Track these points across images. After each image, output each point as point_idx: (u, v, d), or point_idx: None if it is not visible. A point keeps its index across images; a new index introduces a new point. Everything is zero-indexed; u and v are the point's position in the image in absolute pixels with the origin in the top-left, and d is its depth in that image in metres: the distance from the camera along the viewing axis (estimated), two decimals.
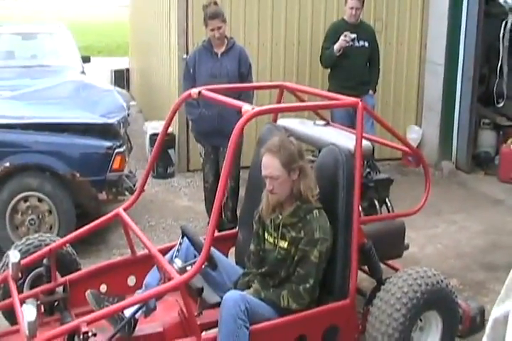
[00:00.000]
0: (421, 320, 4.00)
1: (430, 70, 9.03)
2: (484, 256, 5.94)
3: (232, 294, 3.63)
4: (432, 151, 8.88)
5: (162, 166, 8.13)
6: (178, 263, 3.69)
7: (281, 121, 4.88)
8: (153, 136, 8.06)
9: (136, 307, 3.60)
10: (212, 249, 3.70)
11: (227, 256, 4.79)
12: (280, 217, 3.87)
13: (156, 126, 8.33)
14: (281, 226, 3.86)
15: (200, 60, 6.07)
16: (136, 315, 3.68)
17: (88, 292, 3.84)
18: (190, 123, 6.85)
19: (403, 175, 8.29)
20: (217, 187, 6.08)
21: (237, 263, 4.65)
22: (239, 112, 3.70)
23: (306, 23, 8.50)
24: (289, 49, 8.49)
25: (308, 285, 3.75)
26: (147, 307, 3.77)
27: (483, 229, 6.64)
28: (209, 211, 6.23)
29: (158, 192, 7.67)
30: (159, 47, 9.91)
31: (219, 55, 6.08)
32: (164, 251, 4.12)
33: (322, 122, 4.88)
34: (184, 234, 4.03)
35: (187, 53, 8.04)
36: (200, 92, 4.24)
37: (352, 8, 7.25)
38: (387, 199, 5.22)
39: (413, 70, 9.14)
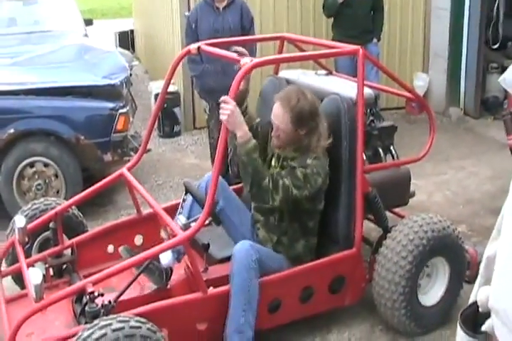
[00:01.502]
0: (428, 266, 4.02)
1: (436, 16, 8.88)
2: (493, 201, 5.89)
3: (243, 244, 3.64)
4: (439, 98, 8.80)
5: (168, 125, 8.11)
6: (182, 219, 3.70)
7: (283, 73, 4.84)
8: (158, 96, 8.01)
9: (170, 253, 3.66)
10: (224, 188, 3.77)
11: None
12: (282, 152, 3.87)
13: (160, 86, 8.21)
14: (281, 159, 3.87)
15: (202, 16, 6.01)
16: (172, 264, 3.74)
17: (121, 248, 3.89)
18: (193, 80, 6.78)
19: (411, 123, 8.24)
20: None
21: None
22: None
23: None
24: (291, 0, 8.37)
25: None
26: (178, 252, 3.80)
27: (491, 174, 6.60)
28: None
29: (165, 151, 7.66)
30: (161, 6, 9.81)
31: (221, 10, 6.02)
32: (169, 209, 4.14)
33: (324, 72, 4.83)
34: (187, 191, 4.03)
35: (189, 10, 7.95)
36: (199, 47, 4.20)
37: None
38: (391, 147, 5.18)
39: (418, 17, 8.99)
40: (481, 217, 5.64)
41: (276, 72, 4.83)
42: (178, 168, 7.08)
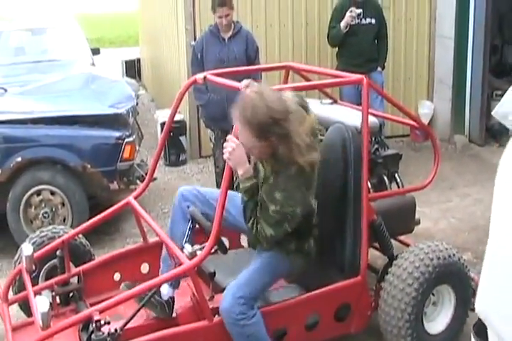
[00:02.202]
0: (433, 294, 4.02)
1: (440, 44, 8.96)
2: None
3: (224, 301, 3.59)
4: (444, 125, 8.85)
5: (174, 154, 8.17)
6: (188, 248, 3.71)
7: None
8: (164, 125, 8.09)
9: (167, 286, 3.70)
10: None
11: (239, 239, 4.83)
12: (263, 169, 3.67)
13: (166, 115, 8.30)
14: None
15: (208, 45, 6.11)
16: (172, 294, 3.77)
17: (122, 285, 3.87)
18: (199, 108, 6.84)
19: (416, 151, 8.27)
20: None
21: (249, 245, 4.67)
22: None
23: (314, 3, 8.45)
24: (296, 30, 8.45)
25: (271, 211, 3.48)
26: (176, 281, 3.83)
27: None
28: None
29: (171, 180, 7.71)
30: (168, 35, 9.92)
31: (226, 40, 6.12)
32: None
33: (329, 101, 4.88)
34: (193, 219, 4.05)
35: (195, 39, 8.04)
36: (205, 77, 4.25)
37: None
38: (396, 175, 5.22)
39: (423, 45, 9.07)
40: (486, 244, 5.60)
41: None
42: None
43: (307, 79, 4.85)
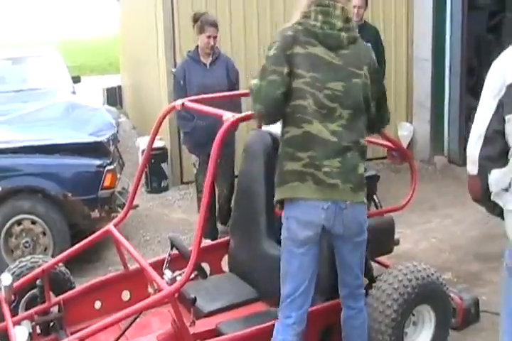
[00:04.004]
0: (414, 314, 4.04)
1: (418, 67, 9.09)
2: (479, 247, 5.98)
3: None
4: (424, 147, 8.93)
5: (156, 180, 8.19)
6: (168, 274, 3.73)
7: (267, 127, 4.90)
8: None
9: None
10: None
11: (220, 264, 4.84)
12: None
13: (145, 141, 8.37)
14: None
15: (190, 71, 6.12)
16: None
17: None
18: (181, 136, 6.77)
19: (396, 173, 8.32)
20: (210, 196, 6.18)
21: (230, 270, 4.70)
22: None
23: None
24: None
25: None
26: None
27: (477, 220, 6.64)
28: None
29: (153, 207, 7.71)
30: (148, 62, 10.00)
31: (208, 65, 6.16)
32: (156, 264, 4.15)
33: None
34: (173, 245, 4.07)
35: (175, 66, 8.10)
36: (183, 104, 4.28)
37: (355, 6, 6.99)
38: (374, 196, 5.24)
39: (401, 68, 9.18)
40: (467, 263, 5.69)
41: (260, 126, 4.90)
42: (165, 223, 7.12)
43: None
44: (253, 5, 8.44)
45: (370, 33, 7.45)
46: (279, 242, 4.23)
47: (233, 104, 5.78)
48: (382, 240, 4.38)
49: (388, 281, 3.92)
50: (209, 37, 6.06)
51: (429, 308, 4.07)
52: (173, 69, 8.01)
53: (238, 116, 3.72)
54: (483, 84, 2.85)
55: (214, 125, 5.76)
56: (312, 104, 3.32)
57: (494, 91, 2.78)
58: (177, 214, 7.38)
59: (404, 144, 8.98)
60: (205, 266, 4.71)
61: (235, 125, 3.70)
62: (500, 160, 2.75)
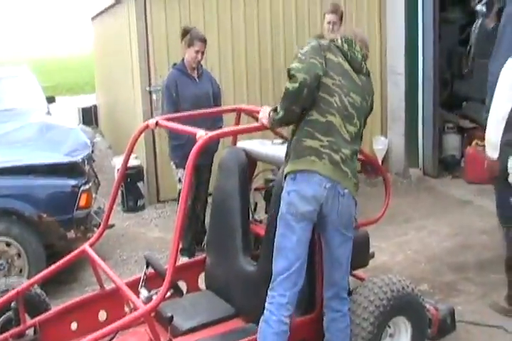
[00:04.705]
0: (390, 326, 4.06)
1: (392, 80, 9.18)
2: (453, 258, 6.03)
3: None
4: (399, 160, 9.00)
5: (132, 199, 8.17)
6: (144, 293, 3.75)
7: (241, 143, 4.94)
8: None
9: None
10: None
11: (197, 282, 4.84)
12: None
13: (120, 161, 8.36)
14: None
15: (182, 84, 6.15)
16: None
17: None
18: (171, 149, 6.46)
19: (373, 187, 8.35)
20: (193, 211, 6.19)
21: (207, 287, 4.70)
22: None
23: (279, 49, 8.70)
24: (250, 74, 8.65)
25: None
26: None
27: (451, 231, 6.73)
28: (183, 237, 6.30)
29: (130, 226, 7.69)
30: (123, 81, 10.00)
31: (196, 78, 6.22)
32: (132, 284, 4.15)
33: (280, 141, 4.92)
34: (148, 264, 4.07)
35: (149, 85, 8.12)
36: (157, 122, 4.30)
37: (329, 22, 7.07)
38: None
39: (375, 82, 9.13)
40: (442, 274, 5.73)
41: (235, 143, 4.93)
42: (142, 241, 7.10)
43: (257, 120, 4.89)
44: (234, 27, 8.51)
45: None
46: (254, 258, 4.28)
47: (215, 119, 5.87)
48: (357, 254, 4.40)
49: (364, 294, 3.94)
50: (197, 51, 6.14)
51: (405, 320, 4.09)
52: (148, 88, 8.07)
53: (211, 134, 3.76)
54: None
55: None
56: (338, 102, 3.63)
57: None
58: (154, 233, 7.36)
59: (380, 158, 9.04)
60: (182, 284, 4.74)
61: (208, 143, 3.72)
62: None
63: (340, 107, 3.64)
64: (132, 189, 8.11)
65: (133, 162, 8.30)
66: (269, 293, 3.67)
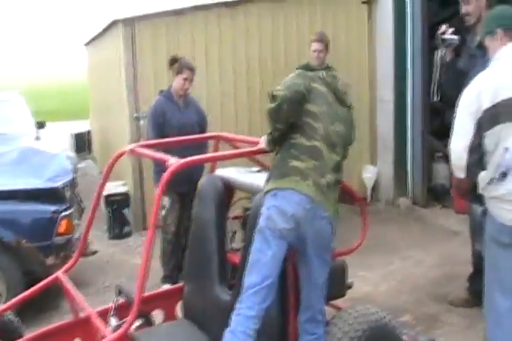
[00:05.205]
0: None
1: (380, 109, 9.18)
2: (437, 289, 5.95)
3: None
4: (388, 189, 8.96)
5: (118, 227, 8.13)
6: (113, 322, 3.69)
7: (219, 171, 4.90)
8: (108, 197, 8.12)
9: None
10: None
11: (174, 310, 4.77)
12: None
13: (111, 188, 8.33)
14: None
15: (168, 111, 6.15)
16: None
17: None
18: (154, 174, 6.37)
19: (357, 214, 8.27)
20: (176, 238, 6.14)
21: (185, 316, 4.63)
22: None
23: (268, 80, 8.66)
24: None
25: None
26: None
27: (437, 261, 6.67)
28: (165, 264, 6.24)
29: (115, 253, 7.62)
30: (114, 108, 10.02)
31: (182, 107, 6.20)
32: (105, 312, 4.09)
33: (256, 169, 4.89)
34: (120, 292, 4.02)
35: (136, 111, 8.12)
36: (131, 150, 4.28)
37: (315, 51, 7.16)
38: None
39: (364, 110, 9.24)
40: (426, 305, 5.66)
41: (213, 171, 4.90)
42: (126, 269, 7.01)
43: (236, 148, 4.87)
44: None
45: None
46: (231, 288, 4.22)
47: (200, 147, 5.82)
48: (333, 283, 4.34)
49: (338, 325, 3.87)
50: (185, 79, 6.16)
51: None
52: (135, 114, 8.06)
53: (182, 161, 3.73)
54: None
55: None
56: (322, 129, 3.67)
57: (472, 115, 3.70)
58: (138, 261, 7.24)
59: (369, 186, 9.02)
60: (160, 312, 4.68)
61: (179, 170, 3.68)
62: (479, 165, 3.78)
63: (324, 134, 3.67)
64: (118, 216, 8.07)
65: (120, 188, 8.29)
66: (236, 306, 3.62)
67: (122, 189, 8.08)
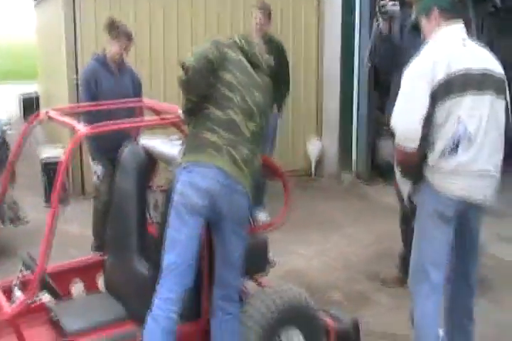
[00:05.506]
0: (280, 337, 3.88)
1: (327, 84, 9.11)
2: (370, 266, 5.91)
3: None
4: (332, 164, 8.90)
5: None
6: (17, 293, 3.54)
7: (142, 140, 4.75)
8: (46, 165, 7.98)
9: None
10: None
11: (95, 282, 4.62)
12: None
13: (48, 151, 8.16)
14: None
15: (100, 76, 5.92)
16: None
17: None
18: (87, 140, 6.31)
19: (303, 190, 8.22)
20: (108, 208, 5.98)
21: (106, 288, 4.49)
22: None
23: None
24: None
25: None
26: None
27: (375, 239, 6.61)
28: (97, 234, 6.10)
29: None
30: (55, 70, 9.83)
31: (117, 72, 5.99)
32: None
33: (175, 137, 4.72)
34: (23, 263, 3.89)
35: (76, 73, 7.88)
36: (47, 113, 4.15)
37: (257, 23, 7.04)
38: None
39: (311, 86, 9.15)
40: (357, 282, 5.63)
41: (135, 139, 4.78)
42: (58, 237, 6.79)
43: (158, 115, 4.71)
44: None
45: (273, 47, 7.32)
46: (150, 260, 4.08)
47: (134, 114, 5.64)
48: (253, 259, 4.22)
49: (251, 304, 3.79)
50: (121, 46, 5.91)
51: (297, 331, 3.93)
52: (74, 76, 7.83)
53: (89, 127, 3.65)
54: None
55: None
56: (239, 99, 3.55)
57: (426, 87, 3.62)
58: (72, 229, 7.10)
59: (313, 160, 8.94)
60: (80, 283, 4.53)
61: (87, 135, 3.62)
62: (428, 138, 3.68)
63: (241, 104, 3.55)
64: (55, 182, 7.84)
65: (56, 154, 8.07)
66: (156, 288, 3.50)
67: (59, 154, 7.86)
